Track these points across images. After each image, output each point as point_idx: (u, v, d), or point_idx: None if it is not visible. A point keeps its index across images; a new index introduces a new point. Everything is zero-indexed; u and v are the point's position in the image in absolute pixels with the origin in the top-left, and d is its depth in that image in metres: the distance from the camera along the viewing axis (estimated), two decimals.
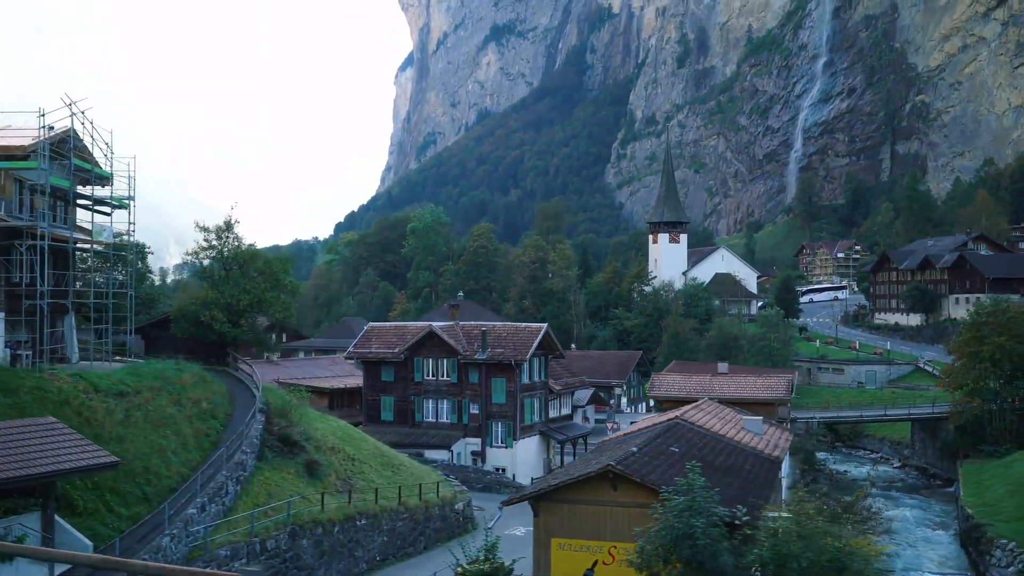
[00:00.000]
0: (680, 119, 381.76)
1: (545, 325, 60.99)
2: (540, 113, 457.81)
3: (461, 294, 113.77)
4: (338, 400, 65.22)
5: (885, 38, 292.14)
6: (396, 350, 60.95)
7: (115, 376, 33.65)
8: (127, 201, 38.86)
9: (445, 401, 60.19)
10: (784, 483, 70.08)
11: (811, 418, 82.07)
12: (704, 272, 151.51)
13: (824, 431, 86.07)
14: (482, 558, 31.98)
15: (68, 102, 35.03)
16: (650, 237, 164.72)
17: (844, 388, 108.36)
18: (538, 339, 58.16)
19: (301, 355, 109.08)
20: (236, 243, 45.72)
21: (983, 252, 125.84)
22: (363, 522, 35.97)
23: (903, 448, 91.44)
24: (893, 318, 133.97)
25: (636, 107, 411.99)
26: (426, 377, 60.78)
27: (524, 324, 64.08)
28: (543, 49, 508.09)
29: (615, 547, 31.09)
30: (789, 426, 54.80)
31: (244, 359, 43.60)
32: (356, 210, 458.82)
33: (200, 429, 34.01)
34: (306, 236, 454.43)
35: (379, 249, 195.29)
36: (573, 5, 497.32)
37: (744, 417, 45.45)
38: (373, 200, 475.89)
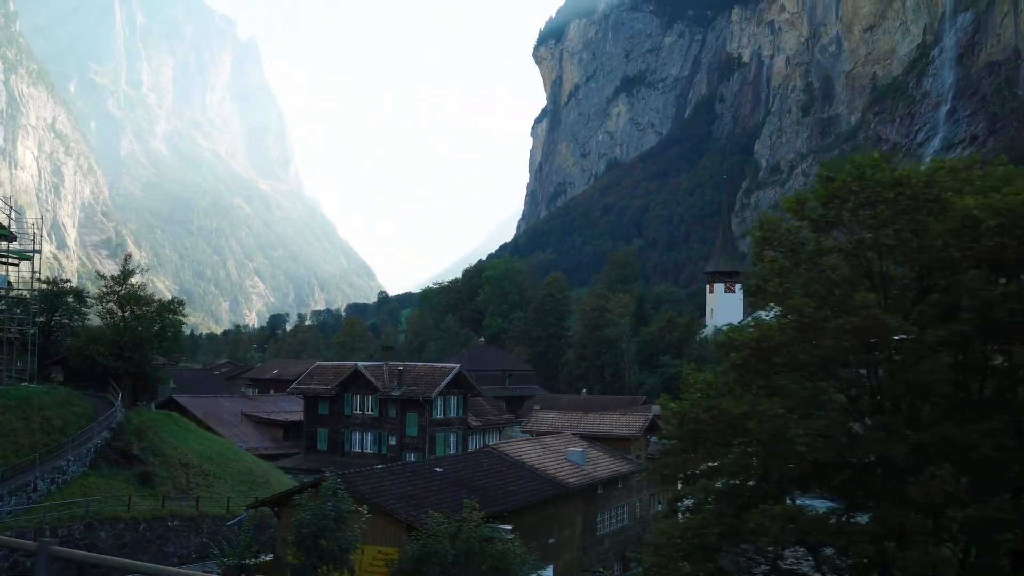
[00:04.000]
0: (804, 168, 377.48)
1: (457, 366, 67.10)
2: (667, 162, 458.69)
3: (482, 339, 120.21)
4: (292, 431, 72.91)
5: (1008, 85, 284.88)
6: (329, 386, 68.28)
7: None
8: (29, 254, 47.67)
9: (369, 433, 66.96)
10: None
11: None
12: None
13: None
14: (237, 554, 38.58)
15: None
16: (707, 287, 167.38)
17: None
18: (448, 378, 64.30)
19: None
20: (129, 289, 54.22)
21: None
22: (176, 523, 43.08)
23: None
24: None
25: (761, 156, 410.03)
26: (354, 411, 67.79)
27: (440, 364, 70.28)
28: (673, 99, 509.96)
29: (364, 549, 37.24)
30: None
31: (116, 386, 51.62)
32: (484, 259, 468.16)
33: (41, 440, 41.82)
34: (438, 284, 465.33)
35: (466, 296, 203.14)
36: (703, 55, 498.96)
37: (568, 449, 50.31)
38: (501, 249, 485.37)
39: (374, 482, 38.19)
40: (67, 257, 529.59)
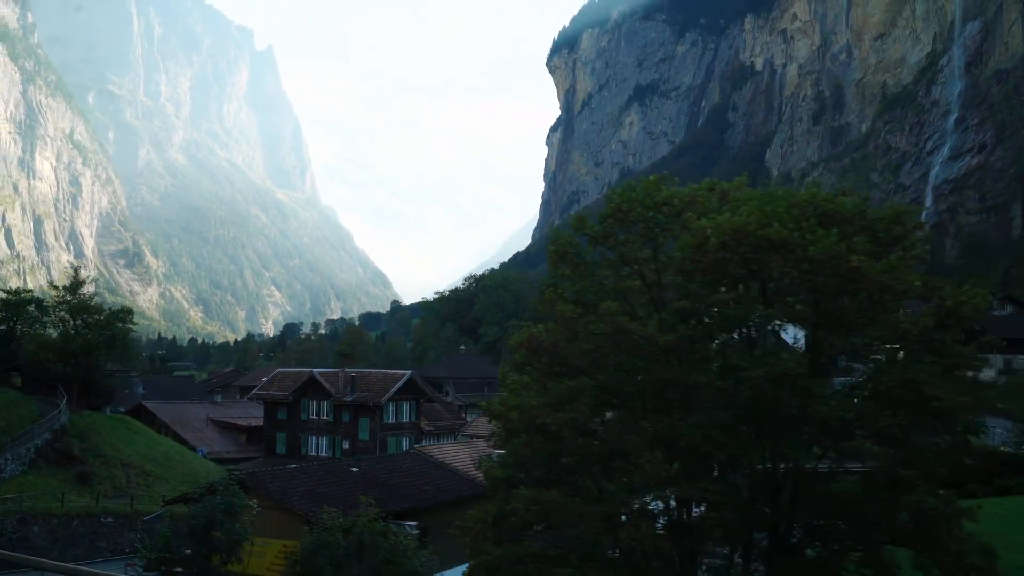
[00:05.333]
0: (815, 176, 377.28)
1: (408, 372, 69.33)
2: (680, 171, 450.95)
3: (463, 347, 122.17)
4: (254, 436, 75.50)
5: (1016, 93, 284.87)
6: (287, 392, 70.79)
7: None
8: None
9: (324, 437, 69.44)
10: None
11: None
12: None
13: None
14: (158, 548, 41.01)
15: None
16: None
17: None
18: (398, 385, 66.57)
19: None
20: (79, 299, 56.88)
21: (1008, 312, 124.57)
22: (109, 520, 45.50)
23: None
24: None
25: (772, 164, 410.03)
26: (310, 416, 70.29)
27: (392, 371, 72.55)
28: (686, 108, 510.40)
29: (253, 540, 39.62)
30: None
31: (63, 391, 54.21)
32: (496, 268, 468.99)
33: None
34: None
35: (466, 305, 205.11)
36: (716, 64, 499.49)
37: (497, 451, 52.26)
38: (513, 258, 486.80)
39: (284, 480, 40.48)
40: (84, 266, 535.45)
